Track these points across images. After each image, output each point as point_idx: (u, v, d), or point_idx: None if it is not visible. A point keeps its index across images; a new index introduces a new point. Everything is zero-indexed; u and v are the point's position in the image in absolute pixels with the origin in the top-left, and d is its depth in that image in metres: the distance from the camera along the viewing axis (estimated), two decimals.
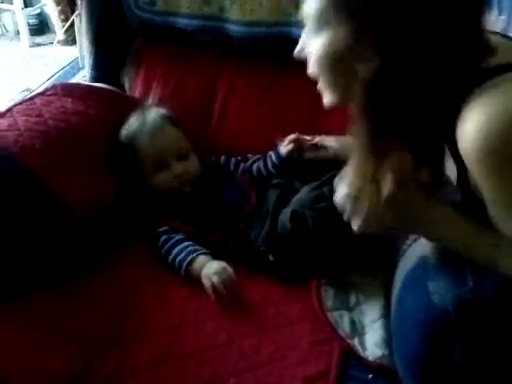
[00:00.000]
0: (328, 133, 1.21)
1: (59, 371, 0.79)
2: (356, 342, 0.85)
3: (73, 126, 1.04)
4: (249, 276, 0.97)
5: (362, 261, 0.99)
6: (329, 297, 0.92)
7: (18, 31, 3.34)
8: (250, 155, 1.20)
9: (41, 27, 3.46)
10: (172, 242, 1.01)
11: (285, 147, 1.11)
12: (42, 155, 0.94)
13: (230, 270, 0.93)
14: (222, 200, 1.09)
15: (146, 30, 1.29)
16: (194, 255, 0.97)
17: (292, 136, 1.10)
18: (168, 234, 1.02)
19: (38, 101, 1.06)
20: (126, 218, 1.09)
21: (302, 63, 1.20)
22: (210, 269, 0.93)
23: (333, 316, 0.88)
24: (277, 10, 1.16)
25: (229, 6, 1.18)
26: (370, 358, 0.83)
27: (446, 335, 0.72)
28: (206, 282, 0.92)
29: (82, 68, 1.52)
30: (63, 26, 2.99)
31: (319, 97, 1.18)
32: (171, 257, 0.99)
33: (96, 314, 0.88)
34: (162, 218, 1.05)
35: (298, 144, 1.10)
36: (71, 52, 2.73)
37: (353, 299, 0.93)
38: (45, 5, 3.35)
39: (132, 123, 1.13)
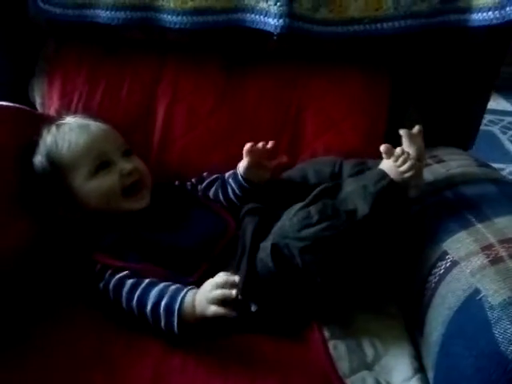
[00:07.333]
0: (301, 142, 1.00)
1: None
2: None
3: None
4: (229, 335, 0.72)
5: (369, 296, 0.77)
6: (341, 355, 0.68)
7: None
8: (205, 174, 0.96)
9: None
10: (144, 284, 0.72)
11: (241, 164, 0.86)
12: None
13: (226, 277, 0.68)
14: (192, 228, 0.83)
15: (58, 29, 1.01)
16: (184, 292, 0.70)
17: (247, 146, 0.84)
18: (132, 277, 0.73)
19: None
20: (56, 271, 0.80)
21: (264, 58, 1.00)
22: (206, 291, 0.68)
23: (353, 383, 0.65)
24: None
25: None
26: None
27: None
28: (210, 311, 0.66)
29: None
30: None
31: (288, 97, 0.98)
32: (149, 305, 0.69)
33: None
34: (115, 258, 0.76)
35: (256, 157, 0.85)
36: None
37: (369, 351, 0.70)
38: None
39: (45, 137, 0.85)
